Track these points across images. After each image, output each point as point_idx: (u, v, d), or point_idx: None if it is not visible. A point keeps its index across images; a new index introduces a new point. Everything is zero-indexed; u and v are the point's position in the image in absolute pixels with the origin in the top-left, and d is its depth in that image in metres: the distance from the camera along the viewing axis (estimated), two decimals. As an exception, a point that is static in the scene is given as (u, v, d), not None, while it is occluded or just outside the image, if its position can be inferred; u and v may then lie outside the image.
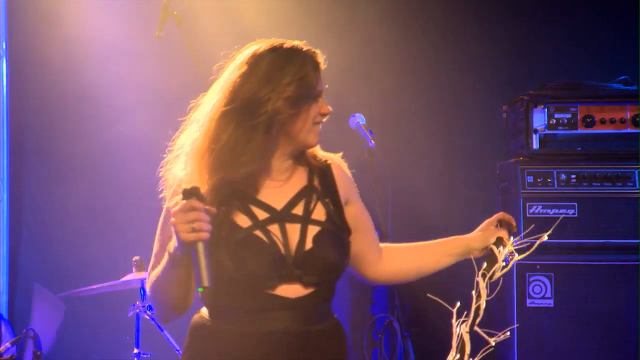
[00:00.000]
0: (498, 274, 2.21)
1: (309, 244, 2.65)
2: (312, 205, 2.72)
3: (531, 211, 4.51)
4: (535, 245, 2.24)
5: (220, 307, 2.66)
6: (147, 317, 4.62)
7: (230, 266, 2.58)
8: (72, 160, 5.79)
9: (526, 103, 4.58)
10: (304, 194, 2.73)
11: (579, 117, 4.56)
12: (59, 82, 5.77)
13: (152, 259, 2.68)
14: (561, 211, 4.51)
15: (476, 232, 3.02)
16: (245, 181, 2.67)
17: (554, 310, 4.44)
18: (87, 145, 5.80)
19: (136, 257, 4.72)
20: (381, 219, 4.39)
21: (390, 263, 3.00)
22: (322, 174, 2.80)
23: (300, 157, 2.78)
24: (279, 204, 2.69)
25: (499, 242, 3.06)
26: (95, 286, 4.66)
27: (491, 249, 2.81)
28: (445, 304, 2.52)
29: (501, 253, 2.27)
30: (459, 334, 2.08)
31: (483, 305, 2.08)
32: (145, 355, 4.66)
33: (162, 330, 4.62)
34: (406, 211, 5.38)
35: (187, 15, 4.37)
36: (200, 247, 2.47)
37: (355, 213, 2.82)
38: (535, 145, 4.57)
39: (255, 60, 2.80)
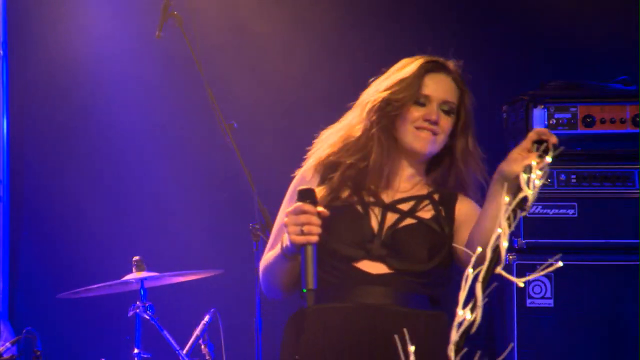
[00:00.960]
0: (529, 203, 2.01)
1: (400, 229, 2.73)
2: (421, 206, 2.80)
3: (531, 211, 4.51)
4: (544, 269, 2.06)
5: (322, 284, 2.71)
6: (147, 317, 4.62)
7: (325, 231, 2.63)
8: (72, 160, 5.79)
9: (526, 103, 4.58)
10: (418, 197, 2.82)
11: (579, 117, 4.56)
12: (59, 82, 5.77)
13: (270, 239, 2.83)
14: (561, 211, 4.51)
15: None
16: (366, 176, 2.80)
17: (554, 310, 4.44)
18: (87, 145, 5.80)
19: (136, 257, 4.72)
20: (381, 219, 4.39)
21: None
22: (446, 197, 2.86)
23: (430, 177, 2.87)
24: (389, 199, 2.80)
25: (528, 169, 2.44)
26: (95, 286, 4.66)
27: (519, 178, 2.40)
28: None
29: (531, 181, 2.00)
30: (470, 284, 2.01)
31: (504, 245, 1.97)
32: (145, 355, 4.66)
33: (162, 330, 4.62)
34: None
35: (187, 15, 4.36)
36: (309, 249, 2.56)
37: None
38: (535, 145, 4.57)
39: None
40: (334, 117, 5.30)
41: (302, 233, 2.56)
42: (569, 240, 4.49)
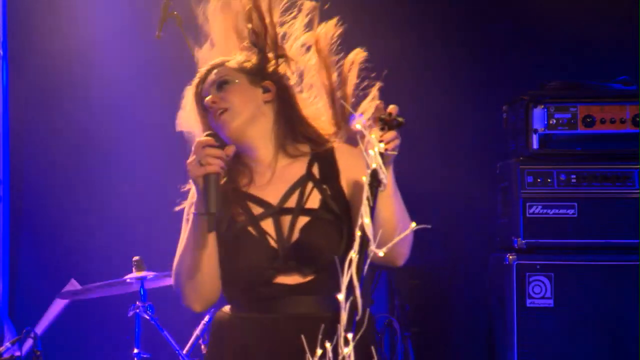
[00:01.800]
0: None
1: (296, 235, 2.67)
2: (306, 194, 2.72)
3: (531, 211, 4.51)
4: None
5: (233, 298, 2.72)
6: (147, 317, 4.62)
7: (229, 261, 2.66)
8: (72, 160, 5.79)
9: (526, 103, 4.58)
10: (299, 183, 2.73)
11: (579, 117, 4.56)
12: (59, 81, 5.77)
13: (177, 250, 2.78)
14: (561, 211, 4.51)
15: None
16: (241, 174, 2.74)
17: (554, 310, 4.44)
18: (87, 145, 5.80)
19: (136, 257, 4.71)
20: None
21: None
22: (324, 159, 2.78)
23: (299, 151, 2.77)
24: (274, 198, 2.72)
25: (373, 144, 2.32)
26: (95, 285, 4.66)
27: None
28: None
29: (376, 154, 2.02)
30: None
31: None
32: (145, 355, 4.66)
33: (162, 330, 4.62)
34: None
35: (187, 15, 4.36)
36: (212, 178, 2.59)
37: (355, 202, 2.73)
38: (535, 145, 4.57)
39: None
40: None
41: (201, 165, 2.60)
42: (569, 240, 4.49)
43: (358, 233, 2.04)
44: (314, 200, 2.72)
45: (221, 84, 2.76)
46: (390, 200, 2.68)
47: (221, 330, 2.75)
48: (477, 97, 5.59)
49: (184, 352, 4.60)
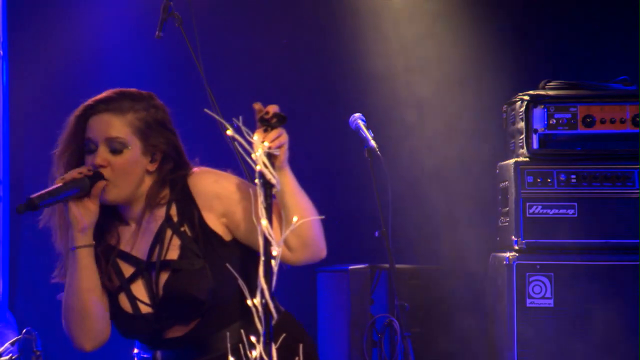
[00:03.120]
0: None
1: (160, 294, 2.66)
2: (165, 244, 2.67)
3: (531, 211, 4.51)
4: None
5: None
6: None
7: (114, 323, 2.75)
8: (72, 160, 5.79)
9: (526, 103, 4.58)
10: (160, 233, 2.69)
11: (579, 117, 4.56)
12: (59, 81, 5.77)
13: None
14: (561, 211, 4.51)
15: None
16: (109, 232, 2.73)
17: (554, 310, 4.44)
18: (87, 145, 5.79)
19: (136, 257, 4.71)
20: (381, 218, 4.40)
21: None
22: (180, 196, 2.72)
23: (161, 198, 2.71)
24: (142, 252, 2.71)
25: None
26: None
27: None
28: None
29: (262, 156, 2.02)
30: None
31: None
32: (145, 355, 4.66)
33: (162, 330, 4.62)
34: (406, 211, 5.38)
35: (187, 15, 4.36)
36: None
37: (234, 219, 2.67)
38: (535, 145, 4.57)
39: None
40: (334, 117, 5.30)
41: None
42: (569, 240, 4.49)
43: (259, 238, 2.05)
44: (174, 250, 2.67)
45: (115, 150, 2.70)
46: (293, 200, 2.58)
47: None
48: (477, 97, 5.59)
49: (184, 352, 4.60)
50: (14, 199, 5.81)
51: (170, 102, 5.95)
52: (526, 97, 4.60)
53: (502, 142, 4.89)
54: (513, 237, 4.52)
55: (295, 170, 2.99)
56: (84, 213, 2.65)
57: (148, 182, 2.70)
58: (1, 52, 5.74)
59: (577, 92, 4.63)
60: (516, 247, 4.51)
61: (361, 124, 4.45)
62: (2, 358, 4.32)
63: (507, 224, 4.60)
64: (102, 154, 2.68)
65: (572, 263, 4.46)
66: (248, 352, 2.06)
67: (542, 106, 4.58)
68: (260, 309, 2.01)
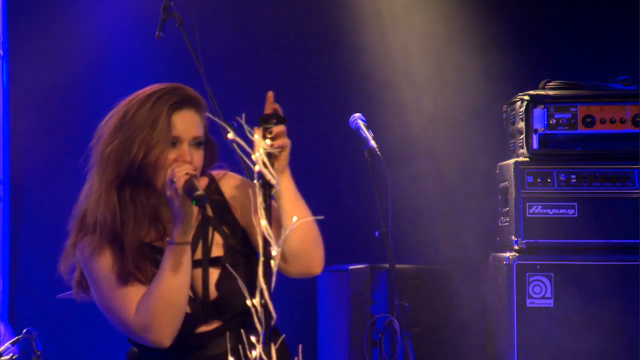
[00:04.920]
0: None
1: (213, 293, 2.69)
2: (209, 241, 2.71)
3: (531, 211, 4.51)
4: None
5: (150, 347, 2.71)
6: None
7: None
8: (72, 160, 5.78)
9: (526, 103, 4.58)
10: (200, 230, 2.72)
11: (579, 117, 4.56)
12: (59, 81, 5.77)
13: (118, 292, 2.68)
14: (561, 211, 4.51)
15: None
16: (153, 229, 2.71)
17: (554, 310, 4.44)
18: (87, 145, 5.79)
19: (136, 257, 4.70)
20: (382, 218, 4.40)
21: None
22: (213, 197, 2.76)
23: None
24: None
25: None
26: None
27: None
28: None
29: (261, 157, 2.03)
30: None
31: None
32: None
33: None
34: (406, 211, 5.38)
35: (187, 15, 4.36)
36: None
37: (248, 219, 2.72)
38: (535, 145, 4.57)
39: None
40: (334, 117, 5.30)
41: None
42: (569, 240, 4.49)
43: (260, 240, 2.06)
44: (218, 247, 2.72)
45: (199, 144, 2.73)
46: (290, 205, 2.60)
47: None
48: (477, 97, 5.59)
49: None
50: (14, 199, 5.81)
51: (170, 102, 5.85)
52: (526, 97, 4.60)
53: (502, 142, 4.89)
54: (513, 237, 4.52)
55: (295, 170, 2.99)
56: (192, 212, 2.63)
57: None
58: (1, 52, 5.74)
59: (577, 92, 4.62)
60: (516, 247, 4.51)
61: (361, 123, 4.45)
62: (2, 358, 4.32)
63: (507, 224, 4.60)
64: (189, 151, 2.69)
65: (572, 263, 4.46)
66: (248, 353, 2.06)
67: (542, 106, 4.58)
68: (259, 309, 2.01)
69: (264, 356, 2.03)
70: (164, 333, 2.63)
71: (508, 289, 4.47)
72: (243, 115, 2.17)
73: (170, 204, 2.62)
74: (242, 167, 3.96)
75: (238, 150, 2.16)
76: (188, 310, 2.66)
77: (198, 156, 2.70)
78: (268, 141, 2.31)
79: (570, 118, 4.56)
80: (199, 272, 2.69)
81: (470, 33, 5.63)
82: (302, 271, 2.66)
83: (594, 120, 4.55)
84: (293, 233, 2.58)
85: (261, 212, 2.11)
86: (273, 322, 2.09)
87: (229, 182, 2.79)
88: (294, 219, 2.50)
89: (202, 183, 2.72)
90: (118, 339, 5.44)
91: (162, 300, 2.62)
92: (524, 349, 4.43)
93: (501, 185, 4.71)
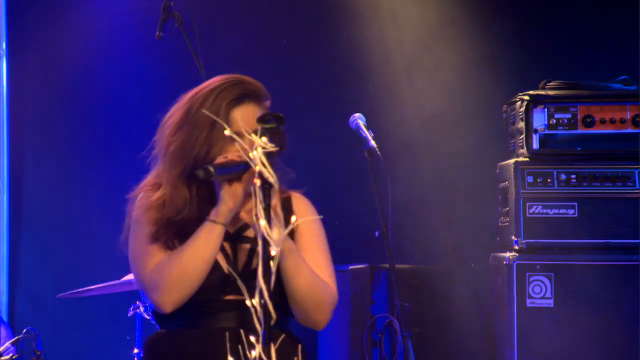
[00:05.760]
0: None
1: (255, 264, 2.75)
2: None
3: (531, 211, 4.51)
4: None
5: (175, 312, 2.76)
6: (147, 317, 4.62)
7: None
8: (72, 160, 5.79)
9: (526, 103, 4.58)
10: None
11: (579, 117, 4.56)
12: (59, 81, 5.78)
13: (146, 248, 2.79)
14: (561, 211, 4.51)
15: None
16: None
17: (554, 310, 4.44)
18: (87, 145, 5.80)
19: (136, 257, 4.70)
20: (381, 218, 4.39)
21: None
22: (282, 203, 2.77)
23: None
24: (232, 228, 2.81)
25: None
26: (95, 286, 4.66)
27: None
28: None
29: (257, 156, 2.10)
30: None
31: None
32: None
33: (162, 330, 4.62)
34: (406, 211, 5.38)
35: (187, 15, 4.36)
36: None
37: (301, 244, 2.83)
38: (535, 145, 4.57)
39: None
40: (334, 117, 5.29)
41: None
42: (569, 240, 4.49)
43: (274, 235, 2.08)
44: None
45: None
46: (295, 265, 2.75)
47: (159, 345, 2.82)
48: (477, 97, 5.59)
49: (184, 352, 4.60)
50: (14, 199, 5.82)
51: (170, 102, 5.94)
52: (526, 97, 4.60)
53: (502, 142, 4.89)
54: (513, 237, 4.52)
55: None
56: (234, 195, 2.69)
57: None
58: (1, 52, 5.74)
59: (577, 92, 4.62)
60: (516, 247, 4.51)
61: (361, 123, 4.45)
62: (2, 358, 4.32)
63: (507, 224, 4.60)
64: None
65: (572, 263, 4.46)
66: (248, 353, 2.06)
67: (542, 106, 4.58)
68: (259, 309, 2.02)
69: (263, 356, 2.03)
70: (169, 297, 2.71)
71: (508, 289, 4.47)
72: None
73: (216, 187, 2.73)
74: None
75: (238, 147, 2.16)
76: (215, 280, 2.72)
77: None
78: (265, 139, 2.32)
79: (570, 118, 4.56)
80: (246, 246, 2.78)
81: (471, 33, 5.62)
82: (305, 322, 2.83)
83: (594, 120, 4.55)
84: (298, 289, 2.73)
85: (261, 212, 2.11)
86: (273, 322, 2.09)
87: (301, 203, 2.91)
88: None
89: (276, 196, 2.78)
90: (118, 339, 5.45)
91: (179, 266, 2.70)
92: (524, 349, 4.43)
93: (501, 185, 4.71)
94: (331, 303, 2.83)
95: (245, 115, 2.77)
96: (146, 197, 2.89)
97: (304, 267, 2.75)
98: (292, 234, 2.82)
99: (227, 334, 2.66)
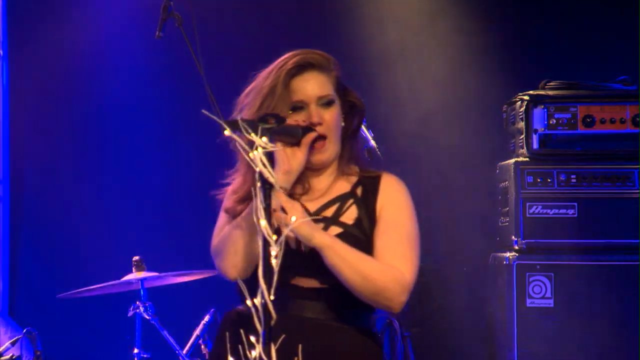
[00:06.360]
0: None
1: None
2: (344, 208, 2.81)
3: (531, 211, 4.51)
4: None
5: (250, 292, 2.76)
6: (147, 317, 4.62)
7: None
8: (72, 160, 5.79)
9: (526, 103, 4.58)
10: (340, 199, 2.83)
11: (579, 117, 4.56)
12: (59, 81, 5.77)
13: (218, 223, 2.87)
14: (561, 211, 4.51)
15: None
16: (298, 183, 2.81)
17: (554, 310, 4.44)
18: (87, 144, 5.80)
19: (136, 257, 4.71)
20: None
21: None
22: (369, 183, 2.87)
23: (350, 170, 2.87)
24: (313, 207, 2.83)
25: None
26: (95, 286, 4.66)
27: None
28: None
29: (258, 157, 2.12)
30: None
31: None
32: (145, 355, 4.66)
33: (162, 330, 4.62)
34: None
35: (187, 15, 4.36)
36: None
37: (378, 227, 2.82)
38: (535, 145, 4.57)
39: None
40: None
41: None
42: (569, 240, 4.49)
43: (274, 237, 2.08)
44: (349, 216, 2.81)
45: (327, 103, 2.82)
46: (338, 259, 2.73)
47: (234, 324, 2.79)
48: (477, 97, 5.59)
49: (184, 352, 4.60)
50: (14, 199, 5.82)
51: (171, 102, 5.94)
52: (526, 97, 4.60)
53: (502, 142, 4.89)
54: (513, 237, 4.52)
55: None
56: (291, 158, 2.72)
57: (340, 141, 2.85)
58: (1, 52, 5.74)
59: (577, 92, 4.63)
60: (516, 247, 4.51)
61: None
62: (2, 358, 4.32)
63: (507, 224, 4.60)
64: (316, 112, 2.79)
65: (572, 263, 4.46)
66: (248, 352, 2.05)
67: (542, 106, 4.58)
68: (260, 308, 2.01)
69: (264, 356, 2.03)
70: (228, 261, 2.77)
71: (508, 289, 4.47)
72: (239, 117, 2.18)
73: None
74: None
75: (238, 148, 2.16)
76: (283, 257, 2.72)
77: (329, 115, 2.80)
78: (265, 139, 2.32)
79: (570, 118, 4.57)
80: (319, 226, 2.76)
81: (471, 33, 5.62)
82: (377, 304, 2.80)
83: (594, 120, 4.55)
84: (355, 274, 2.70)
85: (261, 212, 2.11)
86: (273, 322, 2.09)
87: (388, 184, 2.89)
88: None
89: (352, 161, 2.84)
90: (118, 339, 5.45)
91: (234, 231, 2.75)
92: (524, 349, 4.43)
93: (501, 185, 4.71)
94: (397, 286, 2.73)
95: (303, 84, 2.81)
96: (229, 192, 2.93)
97: (348, 257, 2.69)
98: (374, 217, 2.81)
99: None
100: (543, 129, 4.57)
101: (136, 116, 5.69)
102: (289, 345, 2.64)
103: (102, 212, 5.72)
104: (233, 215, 2.83)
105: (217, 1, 5.67)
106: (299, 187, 2.83)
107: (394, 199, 2.85)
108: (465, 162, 5.59)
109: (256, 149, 2.19)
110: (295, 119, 2.78)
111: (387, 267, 2.73)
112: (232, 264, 2.76)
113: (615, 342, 4.41)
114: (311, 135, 2.75)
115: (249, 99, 2.85)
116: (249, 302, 2.05)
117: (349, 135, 2.89)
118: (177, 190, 5.71)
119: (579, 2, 5.62)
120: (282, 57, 2.91)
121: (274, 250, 2.08)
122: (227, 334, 2.71)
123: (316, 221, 2.75)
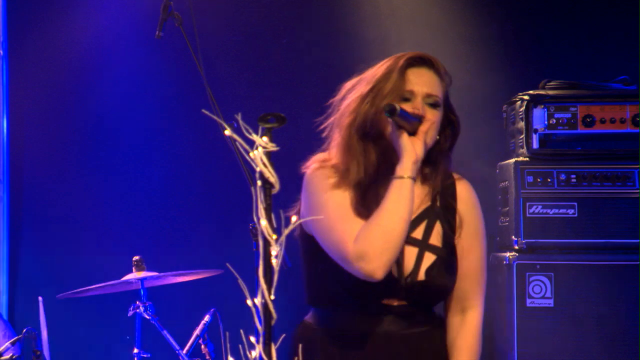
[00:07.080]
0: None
1: (421, 275, 2.75)
2: (431, 227, 2.80)
3: (531, 211, 4.51)
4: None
5: (329, 311, 2.79)
6: (147, 317, 4.62)
7: (346, 279, 2.70)
8: (72, 159, 5.79)
9: (526, 103, 4.59)
10: (426, 215, 2.81)
11: (579, 117, 4.56)
12: (59, 81, 5.77)
13: (342, 223, 2.72)
14: (561, 211, 4.51)
15: None
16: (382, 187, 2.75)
17: (554, 310, 4.44)
18: (87, 144, 5.80)
19: (136, 257, 4.71)
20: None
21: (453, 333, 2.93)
22: (445, 191, 2.86)
23: (428, 174, 2.84)
24: None
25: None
26: (95, 286, 4.66)
27: None
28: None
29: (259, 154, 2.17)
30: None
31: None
32: (145, 355, 4.66)
33: (162, 330, 4.62)
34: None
35: (187, 15, 4.36)
36: None
37: (462, 244, 2.84)
38: (535, 145, 4.57)
39: None
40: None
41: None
42: (569, 240, 4.49)
43: (274, 236, 2.08)
44: (436, 236, 2.80)
45: (433, 104, 2.79)
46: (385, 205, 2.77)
47: (310, 342, 2.80)
48: (477, 97, 5.59)
49: (184, 352, 4.61)
50: (14, 199, 5.81)
51: (171, 102, 5.94)
52: (526, 97, 4.60)
53: (502, 142, 4.89)
54: (513, 237, 4.52)
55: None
56: (416, 147, 2.70)
57: (425, 151, 2.78)
58: (1, 52, 5.74)
59: (577, 92, 4.63)
60: (516, 247, 4.51)
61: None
62: (2, 357, 4.32)
63: (507, 223, 4.60)
64: (423, 106, 2.76)
65: (572, 263, 4.46)
66: (248, 353, 2.06)
67: (542, 106, 4.58)
68: (260, 308, 2.01)
69: (264, 356, 2.03)
70: (379, 263, 2.65)
71: (508, 289, 4.47)
72: (239, 115, 2.17)
73: (393, 143, 2.71)
74: (241, 166, 3.97)
75: (238, 148, 2.16)
76: (382, 283, 2.69)
77: (432, 115, 2.77)
78: (266, 139, 2.31)
79: (570, 118, 4.57)
80: (413, 251, 2.75)
81: (471, 33, 5.62)
82: (360, 271, 2.72)
83: (594, 120, 4.55)
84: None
85: (261, 212, 2.11)
86: (273, 322, 2.09)
87: (466, 191, 2.90)
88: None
89: (438, 178, 2.81)
90: (118, 339, 5.44)
91: (382, 230, 2.66)
92: (524, 349, 4.43)
93: (501, 185, 4.71)
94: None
95: (418, 76, 2.77)
96: (324, 174, 2.83)
97: (403, 201, 2.69)
98: (454, 223, 2.81)
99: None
100: (543, 129, 4.57)
101: (136, 116, 5.69)
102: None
103: (102, 212, 5.71)
104: (354, 204, 2.75)
105: (217, 1, 5.67)
106: (382, 188, 2.76)
107: (473, 211, 2.87)
108: (465, 162, 5.58)
109: (256, 148, 2.19)
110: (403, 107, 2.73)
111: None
112: (385, 264, 2.67)
113: (615, 342, 4.41)
114: (424, 128, 2.71)
115: (361, 83, 2.85)
116: (249, 302, 2.05)
117: (439, 151, 2.85)
118: (177, 190, 5.71)
119: (579, 2, 5.62)
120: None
121: (274, 250, 2.08)
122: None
123: (409, 243, 2.75)
